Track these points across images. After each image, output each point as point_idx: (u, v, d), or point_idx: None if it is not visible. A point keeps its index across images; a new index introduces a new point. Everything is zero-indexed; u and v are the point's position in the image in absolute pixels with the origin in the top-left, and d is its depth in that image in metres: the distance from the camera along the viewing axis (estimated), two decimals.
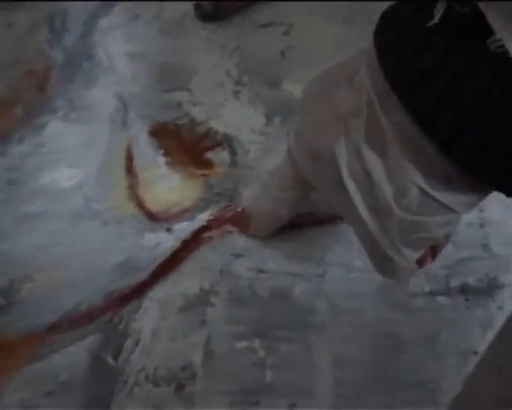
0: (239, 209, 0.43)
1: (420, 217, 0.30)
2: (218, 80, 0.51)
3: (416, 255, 0.33)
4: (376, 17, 0.28)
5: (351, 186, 0.30)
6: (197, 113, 0.49)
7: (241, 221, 0.43)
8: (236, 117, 0.49)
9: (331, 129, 0.31)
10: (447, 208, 0.29)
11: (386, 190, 0.29)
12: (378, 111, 0.28)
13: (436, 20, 0.24)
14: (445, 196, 0.29)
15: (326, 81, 0.32)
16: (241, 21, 0.52)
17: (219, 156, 0.48)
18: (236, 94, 0.49)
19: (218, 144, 0.47)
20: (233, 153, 0.46)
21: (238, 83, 0.50)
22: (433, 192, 0.29)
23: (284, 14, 0.54)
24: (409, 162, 0.28)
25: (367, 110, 0.29)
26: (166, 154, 0.47)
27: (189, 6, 0.53)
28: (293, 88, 0.50)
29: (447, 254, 0.40)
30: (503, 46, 0.23)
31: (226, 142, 0.47)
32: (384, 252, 0.32)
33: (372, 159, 0.29)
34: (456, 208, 0.29)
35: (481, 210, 0.45)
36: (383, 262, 0.33)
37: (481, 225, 0.45)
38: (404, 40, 0.26)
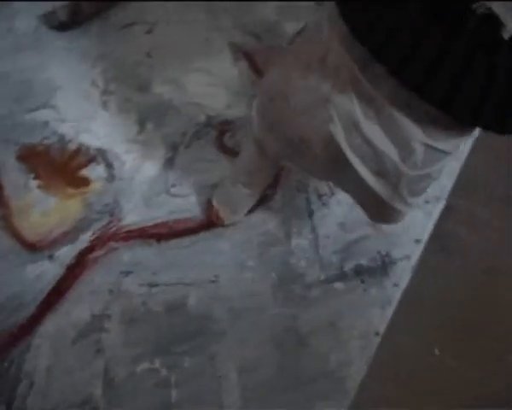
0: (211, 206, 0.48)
1: (425, 169, 0.33)
2: (83, 92, 0.52)
3: (419, 199, 0.37)
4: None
5: (355, 161, 0.33)
6: (66, 129, 0.51)
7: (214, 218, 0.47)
8: (108, 128, 0.50)
9: (319, 112, 0.33)
10: (446, 153, 0.33)
11: (392, 154, 0.33)
12: (365, 84, 0.31)
13: None
14: (444, 144, 0.33)
15: (294, 69, 0.34)
16: (101, 26, 0.53)
17: (95, 172, 0.49)
18: (105, 104, 0.50)
19: (92, 160, 0.48)
20: (109, 166, 0.48)
21: (105, 92, 0.51)
22: (435, 144, 0.32)
23: (146, 13, 0.56)
24: (408, 122, 0.31)
25: (352, 85, 0.32)
26: (38, 177, 0.48)
27: (44, 18, 0.53)
28: (164, 89, 0.53)
29: (338, 237, 0.45)
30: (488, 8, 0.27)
31: (100, 156, 0.49)
32: (392, 207, 0.35)
33: (371, 129, 0.32)
34: (452, 151, 0.33)
35: None
36: (387, 215, 0.37)
37: None
38: (384, 14, 0.30)
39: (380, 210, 0.37)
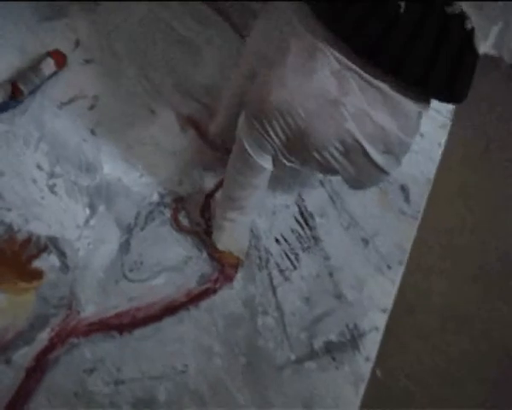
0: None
1: (416, 135, 0.44)
2: (29, 177, 0.54)
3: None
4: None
5: (368, 147, 0.42)
6: (13, 218, 0.53)
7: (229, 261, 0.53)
8: (57, 214, 0.53)
9: (332, 114, 0.41)
10: (422, 116, 0.43)
11: (395, 129, 0.42)
12: (366, 76, 0.41)
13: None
14: (426, 110, 0.42)
15: (295, 82, 0.41)
16: (40, 103, 0.56)
17: (47, 262, 0.52)
18: (52, 188, 0.53)
19: (44, 249, 0.51)
20: (62, 255, 0.51)
21: (52, 175, 0.54)
22: (423, 110, 0.42)
23: (85, 86, 0.59)
24: (404, 98, 0.41)
25: (354, 81, 0.41)
26: None
27: None
28: (112, 168, 0.56)
29: (304, 314, 0.50)
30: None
31: (52, 244, 0.51)
32: (386, 173, 0.45)
33: (378, 114, 0.42)
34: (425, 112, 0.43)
35: (327, 258, 0.54)
36: (377, 181, 0.48)
37: (330, 275, 0.54)
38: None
39: (371, 179, 0.46)
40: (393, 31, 0.39)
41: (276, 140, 0.43)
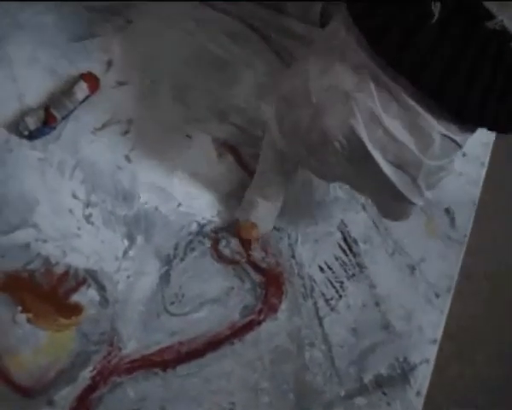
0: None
1: (442, 160, 0.40)
2: (65, 206, 0.53)
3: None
4: None
5: (376, 154, 0.39)
6: (50, 250, 0.52)
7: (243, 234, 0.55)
8: (95, 245, 0.52)
9: (341, 108, 0.39)
10: (458, 146, 0.40)
11: (412, 145, 0.39)
12: (385, 79, 0.38)
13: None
14: (457, 135, 0.39)
15: (314, 69, 0.41)
16: (73, 129, 0.54)
17: (86, 297, 0.50)
18: (89, 218, 0.52)
19: (82, 283, 0.50)
20: (101, 288, 0.50)
21: (88, 204, 0.52)
22: (451, 135, 0.39)
23: (119, 110, 0.58)
24: (427, 113, 0.38)
25: (373, 81, 0.39)
26: (25, 309, 0.49)
27: (13, 128, 0.55)
28: (149, 197, 0.55)
29: (352, 346, 0.49)
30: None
31: (90, 277, 0.50)
32: (408, 201, 0.42)
33: (392, 122, 0.38)
34: (463, 144, 0.40)
35: (373, 286, 0.53)
36: (401, 210, 0.45)
37: (377, 304, 0.53)
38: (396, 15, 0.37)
39: (395, 205, 0.44)
40: (419, 39, 0.37)
41: (297, 131, 0.43)
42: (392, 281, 0.54)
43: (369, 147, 0.39)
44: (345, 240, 0.53)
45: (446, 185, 0.56)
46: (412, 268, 0.52)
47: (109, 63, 0.59)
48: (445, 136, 0.39)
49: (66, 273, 0.52)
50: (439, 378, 0.48)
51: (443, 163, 0.40)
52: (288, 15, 0.63)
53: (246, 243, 0.52)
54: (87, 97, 0.56)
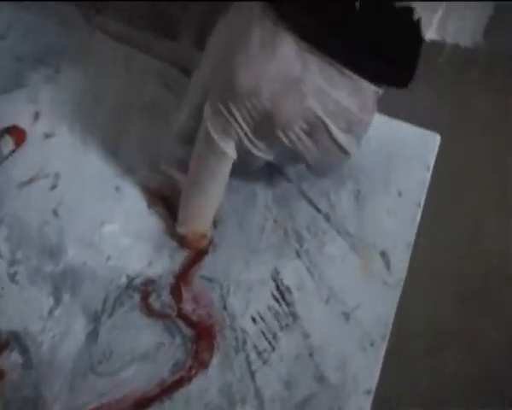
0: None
1: (373, 114, 0.48)
2: None
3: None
4: None
5: (330, 124, 0.46)
6: None
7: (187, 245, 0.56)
8: (19, 305, 0.50)
9: (295, 93, 0.44)
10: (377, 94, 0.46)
11: (354, 108, 0.46)
12: (324, 58, 0.44)
13: None
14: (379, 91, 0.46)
15: (259, 61, 0.44)
16: None
17: (9, 361, 0.50)
18: (13, 277, 0.51)
19: (4, 346, 0.49)
20: (24, 351, 0.49)
21: (12, 262, 0.51)
22: (379, 90, 0.46)
23: (49, 161, 0.57)
24: (359, 78, 0.44)
25: (315, 60, 0.44)
26: None
27: None
28: (76, 252, 0.54)
29: (284, 400, 0.50)
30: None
31: (13, 340, 0.49)
32: (349, 156, 0.50)
33: (337, 93, 0.45)
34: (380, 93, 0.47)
35: (307, 336, 0.53)
36: (338, 162, 0.54)
37: (310, 355, 0.53)
38: None
39: (333, 162, 0.52)
40: (347, 23, 0.43)
41: (243, 123, 0.46)
42: (327, 330, 0.54)
43: (325, 119, 0.45)
44: (278, 288, 0.53)
45: (381, 227, 0.55)
46: (347, 316, 0.52)
47: (37, 115, 0.59)
48: (374, 92, 0.46)
49: None
50: None
51: (372, 118, 0.48)
52: None
53: (176, 296, 0.51)
54: (13, 151, 0.55)
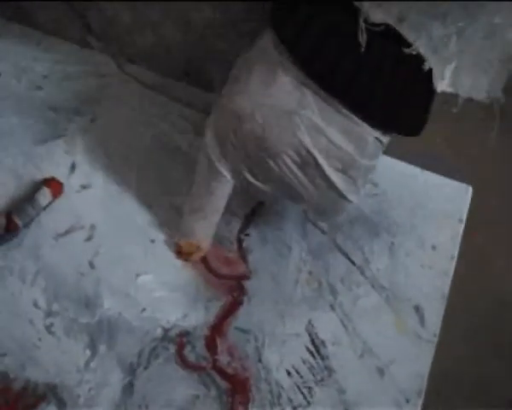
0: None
1: (374, 160, 0.48)
2: (25, 317, 0.53)
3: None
4: None
5: (322, 161, 0.46)
6: (8, 364, 0.52)
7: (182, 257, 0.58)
8: (55, 357, 0.51)
9: (287, 124, 0.45)
10: (382, 145, 0.47)
11: (351, 149, 0.46)
12: (323, 94, 0.44)
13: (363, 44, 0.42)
14: (383, 137, 0.46)
15: (257, 90, 0.46)
16: (35, 236, 0.54)
17: None
18: (50, 328, 0.52)
19: (42, 399, 0.49)
20: (61, 404, 0.50)
21: (49, 314, 0.52)
22: (381, 137, 0.46)
23: (84, 213, 0.58)
24: (360, 121, 0.45)
25: (313, 97, 0.45)
26: None
27: None
28: (113, 301, 0.55)
29: None
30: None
31: (50, 392, 0.50)
32: (347, 201, 0.49)
33: (333, 132, 0.45)
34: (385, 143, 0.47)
35: (342, 391, 0.55)
36: (337, 209, 0.51)
37: None
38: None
39: (333, 206, 0.50)
40: (350, 65, 0.43)
41: (239, 147, 0.48)
42: (362, 385, 0.53)
43: (316, 154, 0.45)
44: (312, 342, 0.53)
45: (415, 280, 0.56)
46: (381, 371, 0.52)
47: (73, 166, 0.60)
48: (375, 138, 0.45)
49: (24, 389, 0.51)
50: None
51: (374, 162, 0.47)
52: None
53: (211, 347, 0.52)
54: (50, 203, 0.56)
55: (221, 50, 0.60)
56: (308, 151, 0.45)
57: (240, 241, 0.58)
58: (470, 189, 0.61)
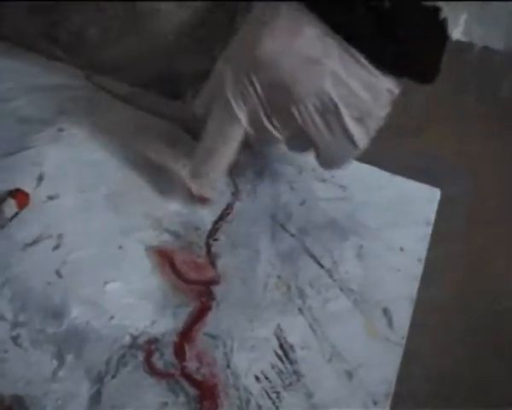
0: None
1: (385, 111, 0.51)
2: None
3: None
4: None
5: (342, 109, 0.49)
6: None
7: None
8: (22, 368, 0.51)
9: (312, 71, 0.48)
10: (393, 95, 0.51)
11: (368, 99, 0.49)
12: (345, 47, 0.47)
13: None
14: (396, 89, 0.50)
15: (284, 39, 0.48)
16: (2, 246, 0.55)
17: None
18: (16, 339, 0.51)
19: None
20: None
21: (15, 325, 0.52)
22: (394, 88, 0.50)
23: (52, 223, 0.59)
24: (377, 72, 0.48)
25: (337, 47, 0.48)
26: None
27: None
28: (80, 310, 0.56)
29: None
30: None
31: (16, 405, 0.50)
32: (357, 149, 0.52)
33: (354, 82, 0.48)
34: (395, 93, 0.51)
35: (310, 395, 0.55)
36: (346, 158, 0.56)
37: None
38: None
39: (343, 153, 0.54)
40: (375, 20, 0.46)
41: (261, 92, 0.49)
42: (330, 389, 0.54)
43: (338, 102, 0.48)
44: (281, 346, 0.54)
45: (384, 283, 0.58)
46: (350, 374, 0.53)
47: (40, 177, 0.60)
48: (388, 89, 0.49)
49: None
50: None
51: (384, 113, 0.51)
52: None
53: (180, 354, 0.52)
54: (16, 214, 0.56)
55: (188, 59, 0.61)
56: (330, 99, 0.48)
57: (208, 246, 0.58)
58: (438, 191, 0.62)
